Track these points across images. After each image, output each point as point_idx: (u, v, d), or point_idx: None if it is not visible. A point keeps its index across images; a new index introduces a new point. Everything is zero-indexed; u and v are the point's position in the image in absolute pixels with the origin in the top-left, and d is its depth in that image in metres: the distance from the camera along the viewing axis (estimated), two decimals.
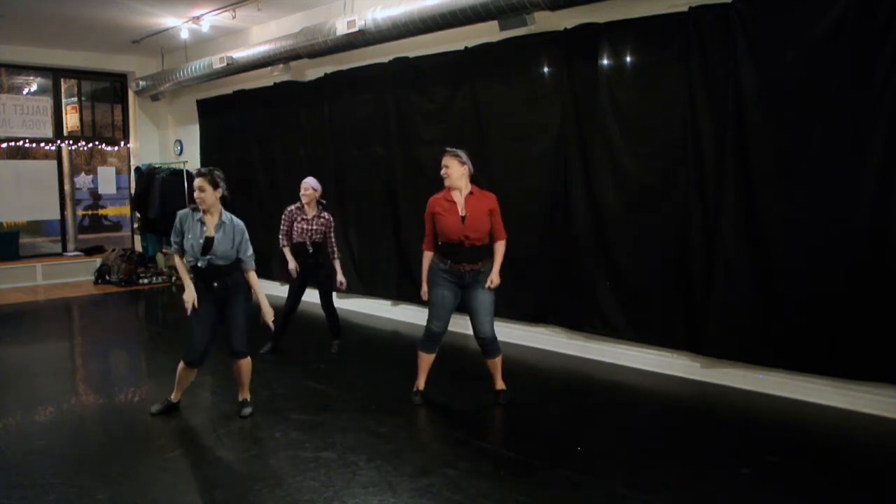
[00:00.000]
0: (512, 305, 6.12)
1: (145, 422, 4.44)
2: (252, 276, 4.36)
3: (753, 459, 3.66)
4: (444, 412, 4.60)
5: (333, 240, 5.79)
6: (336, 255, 5.82)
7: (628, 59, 5.17)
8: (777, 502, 3.27)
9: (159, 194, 9.92)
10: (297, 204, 5.72)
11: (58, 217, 10.80)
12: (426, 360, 4.60)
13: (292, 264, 5.67)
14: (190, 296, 4.20)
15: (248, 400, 4.50)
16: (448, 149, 4.50)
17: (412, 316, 7.05)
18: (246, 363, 4.40)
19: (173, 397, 4.51)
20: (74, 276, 10.29)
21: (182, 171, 10.17)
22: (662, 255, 5.10)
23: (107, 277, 10.01)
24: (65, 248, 10.88)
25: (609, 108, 5.29)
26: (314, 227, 5.65)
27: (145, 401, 4.84)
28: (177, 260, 4.38)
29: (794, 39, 4.33)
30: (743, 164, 4.61)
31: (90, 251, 10.77)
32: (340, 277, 5.82)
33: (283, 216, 5.79)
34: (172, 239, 4.33)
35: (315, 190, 5.68)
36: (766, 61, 4.46)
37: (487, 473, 3.52)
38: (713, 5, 4.66)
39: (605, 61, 5.28)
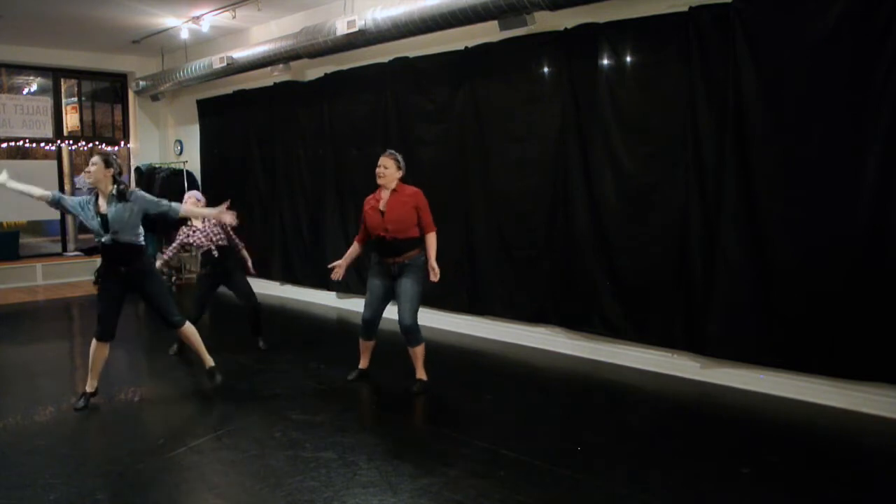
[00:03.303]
0: (512, 305, 6.13)
1: (145, 422, 4.45)
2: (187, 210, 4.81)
3: (753, 459, 3.66)
4: (444, 412, 4.60)
5: (232, 235, 5.90)
6: (241, 246, 5.96)
7: (628, 59, 5.16)
8: (777, 502, 3.27)
9: (159, 194, 9.89)
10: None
11: (58, 217, 10.80)
12: (364, 345, 5.06)
13: (168, 255, 5.91)
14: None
15: (214, 366, 4.79)
16: (389, 150, 4.84)
17: None
18: (188, 329, 4.74)
19: (89, 387, 4.64)
20: (74, 276, 10.29)
21: (182, 171, 10.17)
22: (662, 255, 5.10)
23: None
24: (65, 248, 10.88)
25: (609, 108, 5.29)
26: (210, 230, 5.75)
27: (145, 401, 4.84)
28: (44, 193, 4.45)
29: (795, 39, 4.33)
30: (743, 164, 4.61)
31: (90, 251, 10.75)
32: (249, 263, 5.99)
33: (177, 237, 5.94)
34: (58, 194, 4.50)
35: (199, 200, 5.85)
36: (766, 61, 4.46)
37: (487, 473, 3.52)
38: (713, 5, 4.66)
39: (606, 61, 5.28)
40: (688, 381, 5.03)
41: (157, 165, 10.57)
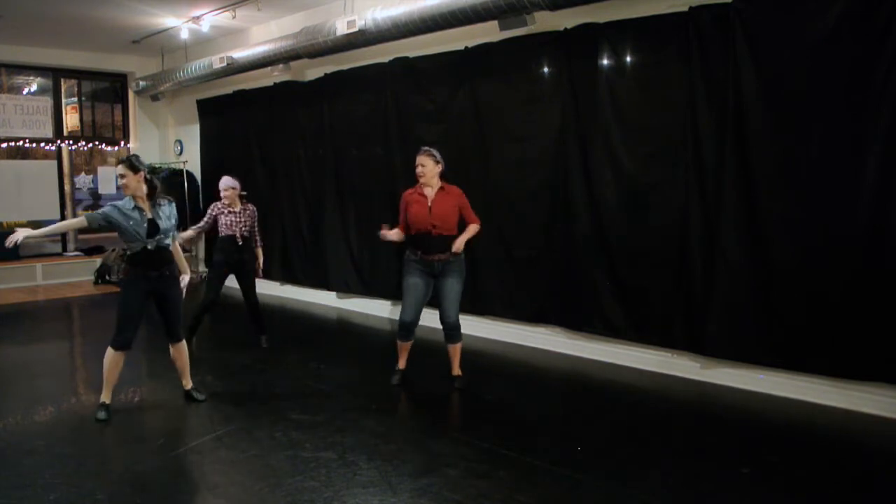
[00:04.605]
0: (512, 305, 6.13)
1: (145, 422, 4.45)
2: (177, 246, 4.56)
3: (753, 459, 3.66)
4: (444, 412, 4.60)
5: (257, 230, 6.04)
6: (259, 244, 6.08)
7: (628, 59, 5.17)
8: (777, 502, 3.27)
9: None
10: (223, 201, 5.89)
11: (58, 217, 10.74)
12: (403, 346, 4.99)
13: (189, 233, 5.82)
14: (23, 233, 4.02)
15: (193, 387, 4.73)
16: (423, 147, 4.81)
17: None
18: (184, 346, 4.66)
19: (105, 398, 4.42)
20: (74, 276, 10.28)
21: (182, 171, 10.17)
22: (662, 254, 5.10)
23: (107, 277, 10.00)
24: (65, 248, 10.88)
25: (609, 108, 5.29)
26: (242, 220, 5.86)
27: (145, 401, 4.84)
28: (78, 221, 4.43)
29: (795, 39, 4.33)
30: (743, 164, 4.61)
31: (90, 251, 10.76)
32: (261, 264, 6.11)
33: (208, 210, 5.94)
34: (97, 214, 4.22)
35: (234, 189, 5.90)
36: (766, 61, 4.46)
37: (487, 473, 3.52)
38: (713, 5, 4.66)
39: (606, 61, 5.28)
40: (688, 381, 5.03)
41: (157, 165, 10.56)
